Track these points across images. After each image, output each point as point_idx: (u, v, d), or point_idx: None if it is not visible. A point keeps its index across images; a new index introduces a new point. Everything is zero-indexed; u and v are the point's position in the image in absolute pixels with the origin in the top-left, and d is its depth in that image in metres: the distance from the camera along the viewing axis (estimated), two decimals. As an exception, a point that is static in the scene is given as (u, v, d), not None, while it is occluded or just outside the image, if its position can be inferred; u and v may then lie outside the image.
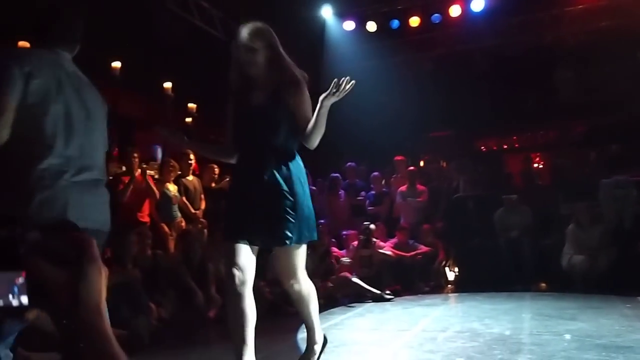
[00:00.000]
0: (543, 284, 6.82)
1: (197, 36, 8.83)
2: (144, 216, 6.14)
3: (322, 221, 7.54)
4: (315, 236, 2.93)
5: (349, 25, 10.10)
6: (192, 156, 6.88)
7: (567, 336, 4.02)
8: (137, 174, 6.07)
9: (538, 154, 11.23)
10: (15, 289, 0.80)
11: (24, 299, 0.81)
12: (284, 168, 2.86)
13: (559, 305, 5.46)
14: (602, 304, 5.35)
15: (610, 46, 9.99)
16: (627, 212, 6.87)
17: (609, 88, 10.54)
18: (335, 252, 7.09)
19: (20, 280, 0.81)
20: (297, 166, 2.95)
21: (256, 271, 6.20)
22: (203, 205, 6.83)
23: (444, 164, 9.99)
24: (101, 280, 0.88)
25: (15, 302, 0.80)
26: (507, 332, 4.27)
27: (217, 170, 7.30)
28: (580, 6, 9.42)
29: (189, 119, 8.12)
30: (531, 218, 7.35)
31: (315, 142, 2.94)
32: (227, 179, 7.45)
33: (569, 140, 10.83)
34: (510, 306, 5.51)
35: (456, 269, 7.52)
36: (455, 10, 9.64)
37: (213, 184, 7.30)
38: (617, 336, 3.95)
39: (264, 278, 6.18)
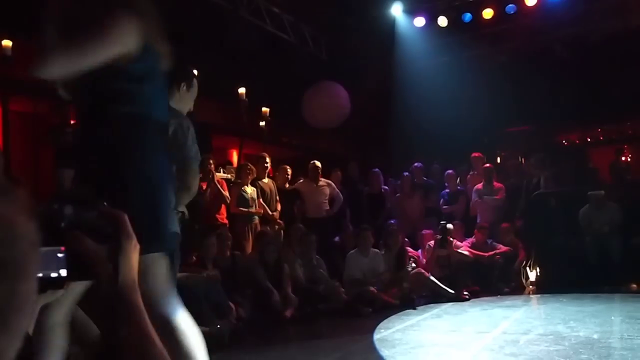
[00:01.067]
0: (634, 285, 6.40)
1: (269, 41, 9.04)
2: (223, 218, 6.37)
3: (392, 221, 7.52)
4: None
5: (420, 21, 9.94)
6: (267, 159, 7.06)
7: (663, 341, 3.78)
8: (217, 178, 6.32)
9: (626, 146, 10.55)
10: (61, 263, 0.89)
11: (63, 272, 0.89)
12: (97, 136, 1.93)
13: (652, 308, 5.13)
14: (703, 307, 4.97)
15: None
16: None
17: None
18: (410, 252, 7.02)
19: (60, 255, 0.89)
20: (125, 134, 1.91)
21: (332, 271, 6.35)
22: (279, 207, 6.99)
23: (522, 160, 9.62)
24: (136, 256, 0.94)
25: (54, 274, 0.88)
26: (595, 336, 4.06)
27: (289, 171, 7.45)
28: (670, -15, 8.76)
29: (262, 123, 8.32)
30: (620, 215, 6.92)
31: (53, 66, 1.81)
32: (301, 180, 7.59)
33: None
34: (598, 308, 5.23)
35: (538, 269, 7.20)
36: (531, -1, 9.25)
37: (287, 185, 7.45)
38: None
39: (339, 278, 6.25)
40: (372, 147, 10.05)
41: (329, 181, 7.63)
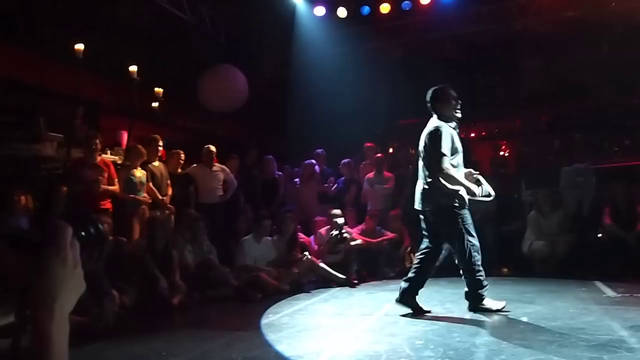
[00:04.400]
0: (505, 269, 6.98)
1: (164, 19, 8.67)
2: (106, 203, 6.05)
3: (289, 208, 7.58)
4: None
5: (320, 10, 10.04)
6: (160, 142, 6.81)
7: (524, 319, 4.15)
8: (99, 160, 6.01)
9: (504, 141, 11.40)
10: None
11: None
12: None
13: (518, 289, 5.61)
14: (560, 288, 5.51)
15: (577, 36, 10.21)
16: (586, 199, 7.08)
17: (574, 78, 10.76)
18: (302, 238, 7.11)
19: None
20: None
21: (223, 258, 6.27)
22: (170, 192, 6.78)
23: (413, 151, 10.06)
24: (63, 275, 0.75)
25: None
26: (467, 316, 4.37)
27: (183, 156, 7.24)
28: (549, -4, 9.53)
29: (155, 104, 7.98)
30: (495, 205, 7.46)
31: None
32: (195, 165, 7.41)
33: (535, 129, 11.03)
34: (472, 290, 5.61)
35: (421, 255, 7.61)
36: (425, -3, 9.66)
37: (179, 170, 7.24)
38: (571, 318, 4.08)
39: (229, 265, 6.21)
40: (269, 133, 10.02)
41: (223, 166, 7.52)
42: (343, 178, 8.43)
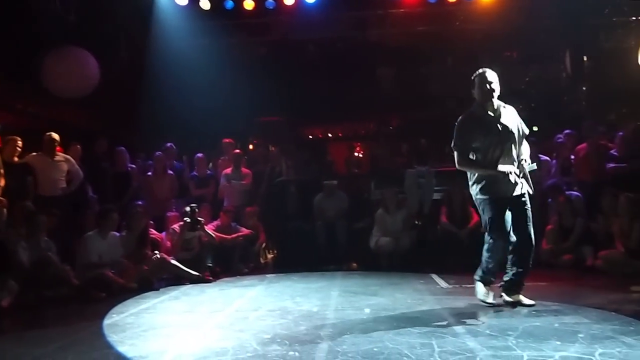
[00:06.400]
0: (354, 264, 7.34)
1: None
2: None
3: (140, 202, 7.25)
4: None
5: (181, -1, 9.70)
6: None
7: (367, 310, 4.40)
8: None
9: (359, 143, 12.01)
10: None
11: None
12: None
13: (364, 283, 5.95)
14: (401, 281, 5.94)
15: (426, 49, 11.10)
16: (427, 199, 7.74)
17: (422, 87, 11.69)
18: (154, 234, 6.83)
19: None
20: None
21: (63, 255, 5.81)
22: (2, 183, 6.10)
23: (273, 149, 10.19)
24: None
25: None
26: (315, 309, 4.52)
27: (20, 143, 6.57)
28: (402, 10, 10.17)
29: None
30: (347, 203, 7.86)
31: None
32: (34, 154, 6.78)
33: (386, 132, 11.78)
34: (322, 285, 5.85)
35: (275, 251, 7.75)
36: (289, -2, 9.76)
37: (16, 159, 6.56)
38: (407, 308, 4.42)
39: (70, 262, 5.79)
40: (120, 123, 9.44)
41: (68, 156, 6.97)
42: (196, 174, 8.24)
